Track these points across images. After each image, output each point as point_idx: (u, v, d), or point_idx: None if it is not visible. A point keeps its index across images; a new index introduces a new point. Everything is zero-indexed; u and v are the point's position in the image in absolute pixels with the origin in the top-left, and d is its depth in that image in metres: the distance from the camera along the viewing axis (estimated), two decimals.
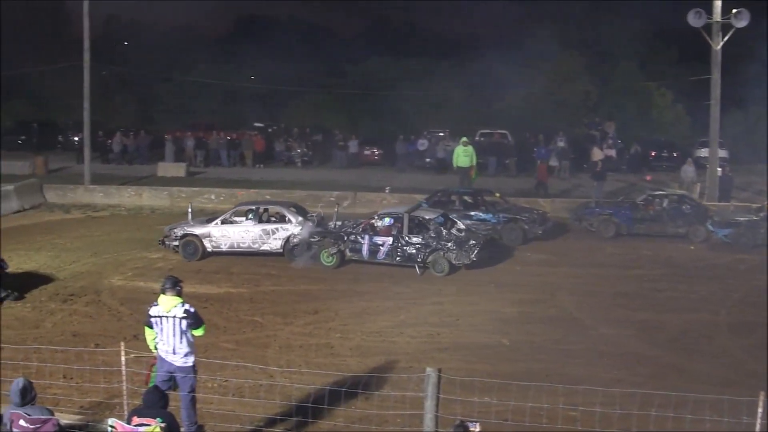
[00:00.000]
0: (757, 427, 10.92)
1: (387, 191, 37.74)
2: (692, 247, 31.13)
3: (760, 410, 10.82)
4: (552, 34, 63.74)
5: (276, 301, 23.41)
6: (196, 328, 13.50)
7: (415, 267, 26.46)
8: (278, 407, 14.90)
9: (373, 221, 27.72)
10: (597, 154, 49.01)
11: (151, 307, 13.52)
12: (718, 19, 37.75)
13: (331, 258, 27.22)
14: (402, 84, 59.80)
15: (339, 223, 28.43)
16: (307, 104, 61.85)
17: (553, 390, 14.40)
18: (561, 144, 48.11)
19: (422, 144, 51.03)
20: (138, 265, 27.62)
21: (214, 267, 27.37)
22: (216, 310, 22.17)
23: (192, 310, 13.44)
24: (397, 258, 26.71)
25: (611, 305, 23.55)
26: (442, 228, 26.83)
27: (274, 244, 28.29)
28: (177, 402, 13.34)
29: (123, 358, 13.16)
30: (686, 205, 33.00)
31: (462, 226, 27.97)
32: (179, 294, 13.47)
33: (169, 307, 13.32)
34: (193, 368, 13.54)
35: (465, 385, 13.71)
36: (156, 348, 13.54)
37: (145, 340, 13.81)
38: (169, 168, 47.42)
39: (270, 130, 58.08)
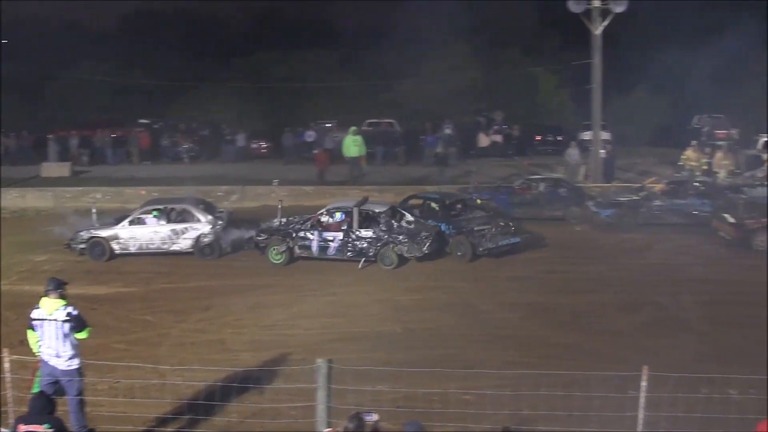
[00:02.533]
0: (641, 401, 11.18)
1: (275, 184, 37.62)
2: (578, 228, 31.69)
3: (643, 384, 11.08)
4: (438, 22, 64.18)
5: (168, 299, 23.20)
6: (79, 332, 13.29)
7: (349, 260, 26.33)
8: (170, 406, 14.84)
9: (322, 217, 27.29)
10: (483, 140, 49.62)
11: (33, 309, 13.30)
12: (597, 4, 38.40)
13: (279, 256, 26.77)
14: (290, 76, 59.62)
15: (284, 220, 28.03)
16: (194, 99, 61.20)
17: (445, 375, 14.60)
18: (448, 131, 48.37)
19: (310, 135, 50.89)
20: (23, 269, 26.97)
21: (105, 267, 26.98)
22: (106, 311, 21.87)
23: (75, 312, 13.23)
24: (348, 253, 26.32)
25: (504, 289, 23.89)
26: (392, 221, 26.62)
27: (184, 243, 27.89)
28: (67, 406, 13.18)
29: (6, 365, 12.90)
30: (562, 188, 33.84)
31: (411, 218, 27.35)
32: (63, 296, 13.26)
33: (51, 309, 13.11)
34: (78, 371, 13.34)
35: (358, 374, 13.78)
36: (39, 352, 13.33)
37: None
38: (53, 168, 46.41)
39: (156, 126, 57.32)
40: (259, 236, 27.34)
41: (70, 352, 13.17)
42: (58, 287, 13.29)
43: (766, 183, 34.61)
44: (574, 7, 38.34)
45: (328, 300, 22.92)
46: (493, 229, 26.77)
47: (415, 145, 49.06)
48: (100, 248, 27.82)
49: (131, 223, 28.25)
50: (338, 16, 72.60)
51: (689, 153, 39.31)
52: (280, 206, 29.26)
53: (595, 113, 39.94)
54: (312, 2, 73.09)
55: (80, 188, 39.72)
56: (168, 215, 28.46)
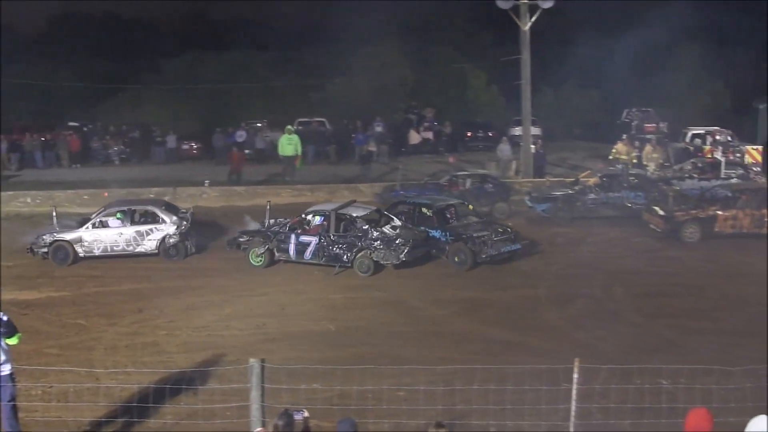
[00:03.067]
0: (574, 393, 11.31)
1: (206, 185, 37.46)
2: (509, 223, 31.90)
3: (575, 376, 11.21)
4: (370, 19, 64.29)
5: (100, 303, 22.92)
6: (9, 337, 13.13)
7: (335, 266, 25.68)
8: (104, 409, 14.73)
9: (302, 219, 26.77)
10: (414, 137, 49.79)
11: None
12: (525, 1, 38.72)
13: (259, 258, 26.35)
14: (220, 77, 59.32)
15: (272, 221, 27.60)
16: (124, 101, 60.63)
17: (379, 372, 14.65)
18: (379, 129, 48.52)
19: (240, 135, 50.65)
20: None
21: (36, 272, 26.60)
22: (38, 316, 21.63)
23: (5, 318, 13.07)
24: (324, 258, 25.75)
25: (437, 286, 23.98)
26: (369, 226, 25.79)
27: (149, 245, 27.55)
28: None
29: None
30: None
31: (398, 223, 26.46)
32: None
33: None
34: (11, 377, 13.17)
35: (291, 373, 13.78)
36: None
37: None
38: None
39: (86, 128, 56.71)
40: (241, 237, 27.02)
41: (1, 357, 13.00)
42: None
43: (695, 176, 35.20)
44: (503, 4, 38.63)
45: (261, 300, 22.84)
46: (494, 236, 26.12)
47: (347, 143, 49.08)
48: (63, 252, 27.34)
49: (95, 225, 27.80)
50: (267, 16, 72.39)
51: (619, 147, 39.81)
52: (268, 207, 28.52)
53: (525, 109, 40.28)
54: (240, 2, 72.84)
55: (10, 192, 39.13)
56: (132, 217, 28.08)
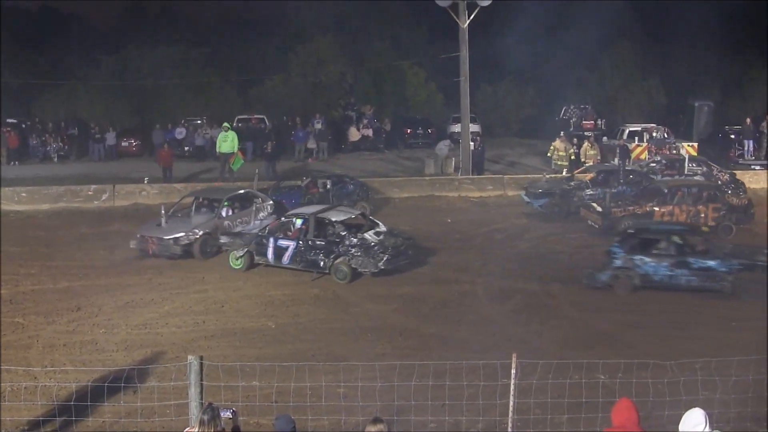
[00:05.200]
0: (512, 388, 11.43)
1: (146, 182, 37.27)
2: (449, 220, 32.12)
3: (513, 371, 11.33)
4: (307, 15, 64.27)
5: (37, 301, 22.68)
6: None
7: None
8: (42, 409, 14.65)
9: (282, 222, 26.41)
10: (354, 135, 49.83)
11: None
12: None
13: (238, 261, 25.67)
14: (159, 72, 58.92)
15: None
16: (62, 97, 59.98)
17: (318, 369, 14.70)
18: (318, 126, 48.48)
19: (180, 132, 50.33)
20: None
21: None
22: None
23: None
24: (301, 263, 25.09)
25: (373, 282, 24.02)
26: (348, 232, 25.05)
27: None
28: None
29: None
30: (349, 185, 33.73)
31: (382, 229, 25.93)
32: None
33: None
34: None
35: (230, 370, 13.82)
36: None
37: None
38: None
39: (23, 125, 56.05)
40: (223, 239, 26.62)
41: None
42: None
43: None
44: (442, 3, 38.78)
45: (198, 297, 22.78)
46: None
47: (286, 140, 48.98)
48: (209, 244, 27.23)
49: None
50: (201, 11, 71.97)
51: (557, 144, 40.07)
52: (163, 210, 28.31)
53: (464, 106, 40.42)
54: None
55: None
56: (234, 203, 28.84)
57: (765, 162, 41.49)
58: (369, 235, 25.09)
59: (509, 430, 11.63)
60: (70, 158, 50.64)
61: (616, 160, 38.21)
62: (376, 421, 9.36)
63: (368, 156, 47.93)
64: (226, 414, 9.68)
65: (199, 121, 52.62)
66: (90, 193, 36.37)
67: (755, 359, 13.64)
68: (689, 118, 53.30)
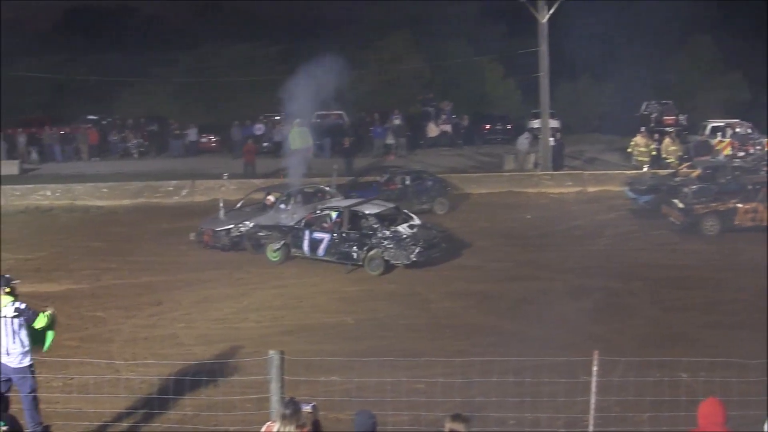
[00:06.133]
0: (593, 385, 11.30)
1: (225, 177, 37.50)
2: (528, 216, 31.91)
3: (594, 368, 11.21)
4: (379, 14, 64.30)
5: (118, 295, 23.00)
6: (34, 322, 13.17)
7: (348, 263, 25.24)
8: (125, 401, 14.77)
9: (318, 215, 26.66)
10: (432, 130, 49.76)
11: None
12: None
13: (276, 253, 26.16)
14: (234, 69, 59.32)
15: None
16: (141, 94, 60.69)
17: (396, 364, 14.66)
18: (397, 122, 48.48)
19: (259, 128, 50.75)
20: None
21: (54, 264, 26.71)
22: (57, 308, 21.43)
23: (23, 306, 13.06)
24: (336, 255, 25.45)
25: (451, 278, 23.98)
26: (381, 224, 25.35)
27: None
28: (20, 404, 13.10)
29: None
30: (428, 181, 33.66)
31: (416, 222, 26.31)
32: (11, 293, 13.12)
33: None
34: (30, 368, 13.21)
35: (309, 365, 13.84)
36: None
37: None
38: (2, 166, 45.96)
39: (104, 122, 56.78)
40: (260, 232, 26.98)
41: (20, 349, 13.04)
42: (7, 284, 13.14)
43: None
44: None
45: (276, 292, 22.94)
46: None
47: (365, 135, 49.05)
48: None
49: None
50: (278, 8, 72.11)
51: (638, 139, 39.67)
52: (221, 203, 28.70)
53: (544, 101, 40.16)
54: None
55: (29, 185, 39.27)
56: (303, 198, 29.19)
57: None
58: (402, 228, 25.44)
59: (590, 428, 11.52)
60: (150, 154, 51.26)
61: (722, 155, 37.87)
62: (456, 417, 9.28)
63: (446, 152, 47.82)
64: (306, 408, 9.66)
65: (277, 117, 52.83)
66: (170, 188, 36.84)
67: None
68: None
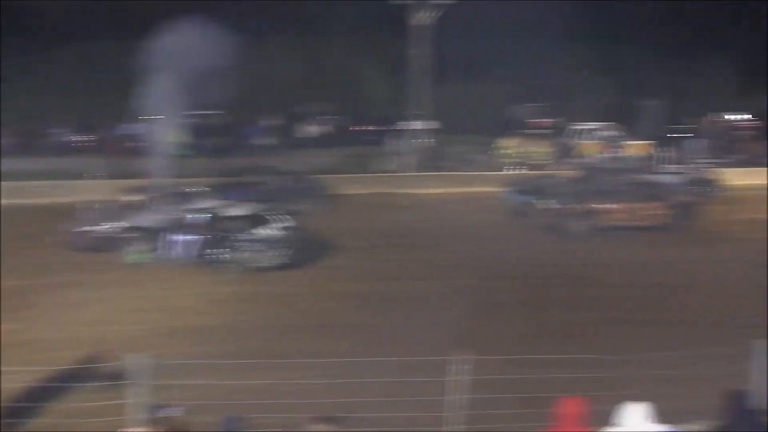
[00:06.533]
0: (462, 384, 11.41)
1: (95, 177, 36.85)
2: (403, 217, 32.07)
3: (462, 367, 11.32)
4: (263, 12, 63.94)
5: None
6: None
7: (193, 262, 25.13)
8: None
9: (184, 217, 26.19)
10: (308, 131, 49.66)
11: None
12: None
13: (143, 255, 25.69)
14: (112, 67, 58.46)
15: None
16: (14, 91, 59.23)
17: (266, 366, 14.63)
18: (273, 122, 48.25)
19: (131, 128, 49.56)
20: None
21: None
22: None
23: None
24: (202, 257, 25.13)
25: (323, 279, 24.02)
26: (248, 226, 25.32)
27: None
28: None
29: None
30: (302, 182, 33.97)
31: (287, 224, 26.17)
32: None
33: None
34: None
35: (178, 368, 13.70)
36: None
37: None
38: None
39: None
40: (128, 234, 26.39)
41: None
42: None
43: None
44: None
45: (144, 295, 22.68)
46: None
47: (239, 136, 48.69)
48: None
49: None
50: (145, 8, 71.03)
51: (509, 141, 40.27)
52: (83, 205, 28.29)
53: (420, 103, 40.45)
54: None
55: None
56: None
57: (715, 160, 41.75)
58: (271, 230, 25.39)
59: (459, 425, 11.64)
60: (20, 153, 49.97)
61: (598, 156, 38.72)
62: (323, 419, 9.30)
63: (322, 152, 47.71)
64: (172, 413, 9.58)
65: (152, 117, 51.99)
66: (40, 189, 36.15)
67: (695, 353, 13.82)
68: (639, 117, 53.74)
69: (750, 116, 55.28)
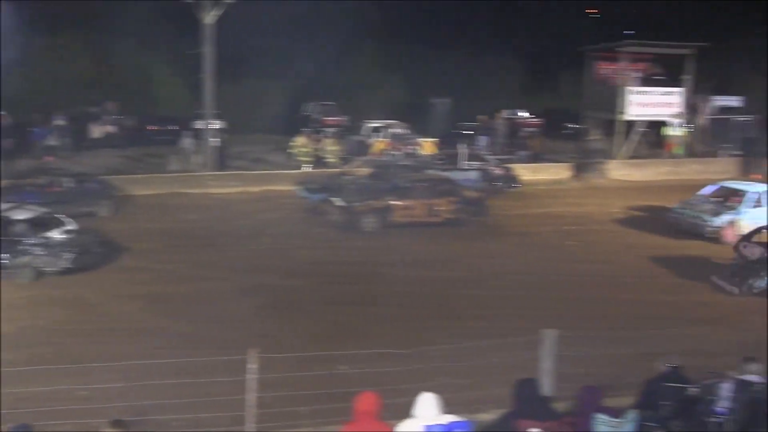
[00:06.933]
0: (252, 383, 11.55)
1: None
2: (194, 217, 31.95)
3: (253, 366, 11.47)
4: (50, 8, 62.35)
5: None
6: None
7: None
8: None
9: None
10: (97, 131, 48.75)
11: None
12: None
13: None
14: None
15: None
16: None
17: (57, 372, 14.43)
18: (60, 122, 47.13)
19: None
20: None
21: None
22: None
23: None
24: None
25: (117, 281, 23.68)
26: (31, 230, 24.10)
27: None
28: None
29: None
30: (91, 183, 33.11)
31: (72, 227, 25.19)
32: None
33: None
34: None
35: None
36: None
37: None
38: None
39: None
40: None
41: None
42: None
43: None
44: None
45: None
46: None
47: (25, 137, 47.35)
48: None
49: None
50: None
51: (300, 140, 40.63)
52: None
53: (208, 102, 40.28)
54: None
55: None
56: None
57: (503, 156, 43.01)
58: (55, 234, 24.61)
59: (252, 425, 11.81)
60: None
61: (389, 154, 39.40)
62: (115, 423, 9.30)
63: (111, 153, 46.87)
64: None
65: None
66: None
67: (483, 344, 14.36)
68: (428, 115, 55.07)
69: (534, 114, 57.34)
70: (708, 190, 31.68)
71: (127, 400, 13.28)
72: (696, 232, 29.45)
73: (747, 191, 30.16)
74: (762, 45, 54.38)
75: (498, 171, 37.94)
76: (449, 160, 37.83)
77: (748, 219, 28.84)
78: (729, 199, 30.43)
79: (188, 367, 14.01)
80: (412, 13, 63.34)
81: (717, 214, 29.43)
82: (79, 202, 30.84)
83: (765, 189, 30.13)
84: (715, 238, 28.94)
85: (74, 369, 14.84)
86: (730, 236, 28.22)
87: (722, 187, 31.74)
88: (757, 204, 29.55)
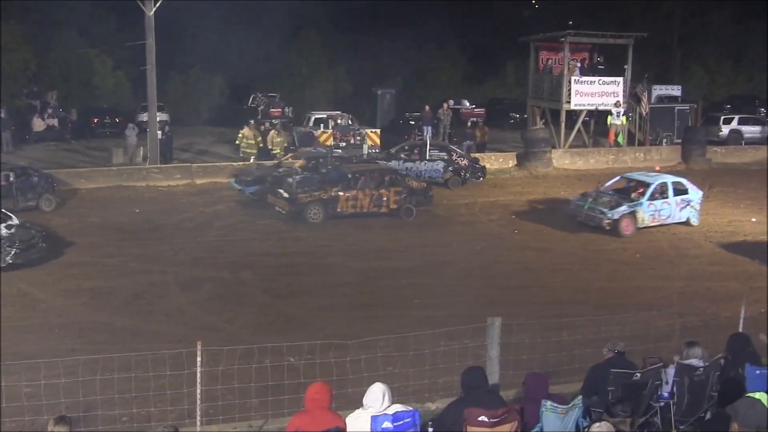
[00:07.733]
0: (198, 376, 11.55)
1: None
2: (138, 210, 31.79)
3: (199, 359, 11.47)
4: None
5: None
6: None
7: None
8: None
9: None
10: (39, 125, 48.28)
11: None
12: None
13: None
14: None
15: None
16: None
17: (6, 369, 14.33)
18: (2, 115, 46.68)
19: None
20: None
21: None
22: None
23: None
24: None
25: (61, 276, 23.50)
26: None
27: None
28: None
29: None
30: (33, 177, 32.37)
31: (14, 222, 24.77)
32: None
33: None
34: None
35: None
36: None
37: None
38: None
39: None
40: None
41: None
42: None
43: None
44: None
45: None
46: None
47: None
48: None
49: None
50: None
51: (245, 131, 40.56)
52: None
53: (151, 94, 39.99)
54: None
55: None
56: None
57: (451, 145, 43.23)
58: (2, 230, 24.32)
59: (198, 418, 11.82)
60: None
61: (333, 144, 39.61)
62: (59, 420, 9.24)
63: (54, 146, 46.50)
64: None
65: None
66: None
67: (430, 333, 14.46)
68: (373, 106, 55.23)
69: (479, 104, 57.73)
70: (611, 182, 31.90)
71: (70, 397, 13.18)
72: (593, 224, 29.35)
73: (650, 183, 30.29)
74: (700, 35, 55.17)
75: (464, 161, 38.17)
76: (395, 150, 37.97)
77: (649, 211, 29.36)
78: (631, 191, 30.59)
79: (134, 361, 13.94)
80: (357, 4, 63.44)
81: (615, 206, 29.42)
82: (21, 197, 30.56)
83: (667, 180, 30.44)
84: (612, 230, 28.97)
85: (18, 365, 14.76)
86: (628, 228, 28.75)
87: (624, 179, 32.01)
88: (659, 196, 29.86)
